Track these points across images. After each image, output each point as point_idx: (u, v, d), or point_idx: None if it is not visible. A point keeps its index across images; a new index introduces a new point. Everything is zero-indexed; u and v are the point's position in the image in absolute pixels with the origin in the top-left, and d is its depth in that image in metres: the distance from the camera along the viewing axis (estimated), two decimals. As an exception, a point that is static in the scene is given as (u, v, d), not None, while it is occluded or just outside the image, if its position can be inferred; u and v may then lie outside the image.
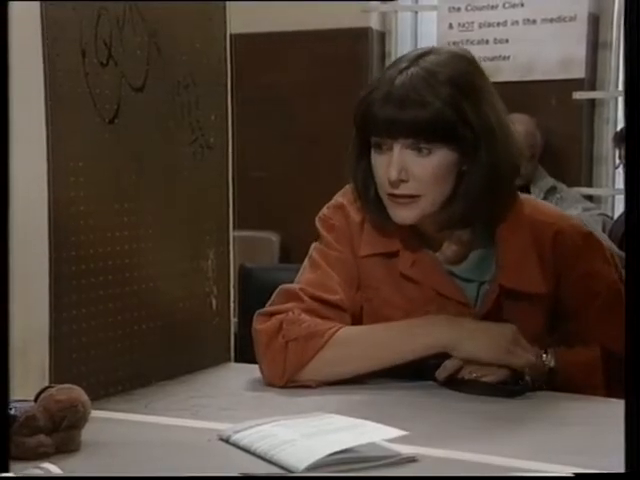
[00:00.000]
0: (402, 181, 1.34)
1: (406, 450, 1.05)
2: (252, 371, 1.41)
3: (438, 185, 1.35)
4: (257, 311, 1.42)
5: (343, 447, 1.01)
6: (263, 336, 1.38)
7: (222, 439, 1.09)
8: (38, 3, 1.22)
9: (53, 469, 0.95)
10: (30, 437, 1.01)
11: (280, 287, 1.44)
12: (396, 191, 1.35)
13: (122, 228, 1.39)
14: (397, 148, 1.33)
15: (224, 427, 1.12)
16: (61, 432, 1.03)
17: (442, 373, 1.35)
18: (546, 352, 1.37)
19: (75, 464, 1.01)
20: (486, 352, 1.33)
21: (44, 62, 1.24)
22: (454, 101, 1.32)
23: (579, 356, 1.38)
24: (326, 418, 1.12)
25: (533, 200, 1.51)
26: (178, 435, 1.13)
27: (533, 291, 1.40)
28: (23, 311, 1.25)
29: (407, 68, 1.35)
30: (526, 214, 1.42)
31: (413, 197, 1.35)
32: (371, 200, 1.41)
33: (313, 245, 1.48)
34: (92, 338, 1.34)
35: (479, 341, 1.33)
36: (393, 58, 2.86)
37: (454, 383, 1.34)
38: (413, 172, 1.34)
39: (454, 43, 3.05)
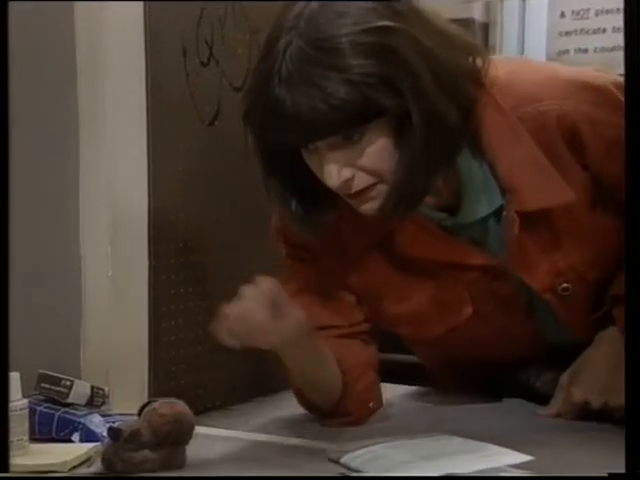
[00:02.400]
0: (348, 180, 1.10)
1: (532, 478, 1.00)
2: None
3: (389, 162, 1.09)
4: None
5: (464, 471, 0.98)
6: None
7: (332, 460, 1.07)
8: (141, 4, 1.22)
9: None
10: (136, 452, 1.01)
11: None
12: (348, 192, 1.11)
13: (220, 234, 1.38)
14: (323, 151, 1.08)
15: (329, 447, 1.10)
16: (166, 448, 1.02)
17: (552, 409, 1.23)
18: None
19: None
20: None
21: (146, 62, 1.24)
22: (362, 72, 1.02)
23: None
24: (444, 439, 1.09)
25: (511, 78, 1.15)
26: (284, 454, 1.10)
27: (560, 201, 1.15)
28: (122, 322, 1.27)
29: (289, 44, 1.03)
30: (511, 109, 1.14)
31: (370, 187, 1.11)
32: (298, 220, 1.16)
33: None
34: (190, 350, 1.33)
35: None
36: (498, 52, 2.78)
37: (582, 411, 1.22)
38: (355, 165, 1.09)
39: (566, 33, 2.96)
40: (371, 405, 1.27)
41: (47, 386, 1.15)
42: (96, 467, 1.04)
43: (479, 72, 1.13)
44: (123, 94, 1.24)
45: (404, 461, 1.02)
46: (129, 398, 1.21)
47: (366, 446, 1.07)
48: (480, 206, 1.18)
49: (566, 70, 1.21)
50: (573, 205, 1.16)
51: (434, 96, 1.06)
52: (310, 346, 1.18)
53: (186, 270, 1.33)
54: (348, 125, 1.06)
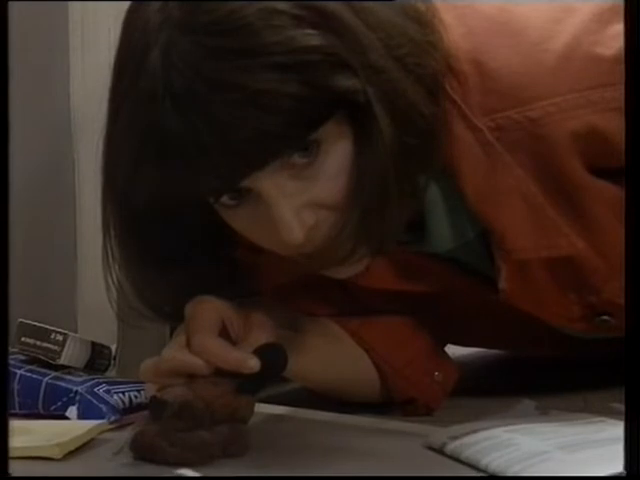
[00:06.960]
0: (312, 229, 0.85)
1: None
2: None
3: (347, 180, 0.84)
4: None
5: (616, 471, 0.76)
6: None
7: (432, 448, 0.89)
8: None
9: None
10: (188, 432, 0.83)
11: None
12: (307, 248, 0.85)
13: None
14: (266, 189, 0.81)
15: (429, 430, 0.93)
16: (223, 427, 0.85)
17: None
18: None
19: (244, 471, 0.82)
20: None
21: None
22: (291, 49, 0.78)
23: None
24: (594, 423, 0.90)
25: (482, 60, 0.88)
26: (371, 440, 0.95)
27: (559, 253, 0.93)
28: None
29: (170, 45, 0.77)
30: (484, 113, 0.88)
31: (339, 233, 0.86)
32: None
33: None
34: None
35: None
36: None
37: None
38: (315, 200, 0.84)
39: None
40: (436, 375, 1.05)
41: (31, 341, 1.03)
42: (102, 454, 0.87)
43: (434, 44, 0.86)
44: None
45: (539, 451, 0.83)
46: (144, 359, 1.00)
47: (481, 430, 0.88)
48: (444, 237, 0.96)
49: (562, 34, 0.89)
50: (597, 238, 0.93)
51: (392, 71, 0.82)
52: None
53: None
54: (295, 132, 0.79)
